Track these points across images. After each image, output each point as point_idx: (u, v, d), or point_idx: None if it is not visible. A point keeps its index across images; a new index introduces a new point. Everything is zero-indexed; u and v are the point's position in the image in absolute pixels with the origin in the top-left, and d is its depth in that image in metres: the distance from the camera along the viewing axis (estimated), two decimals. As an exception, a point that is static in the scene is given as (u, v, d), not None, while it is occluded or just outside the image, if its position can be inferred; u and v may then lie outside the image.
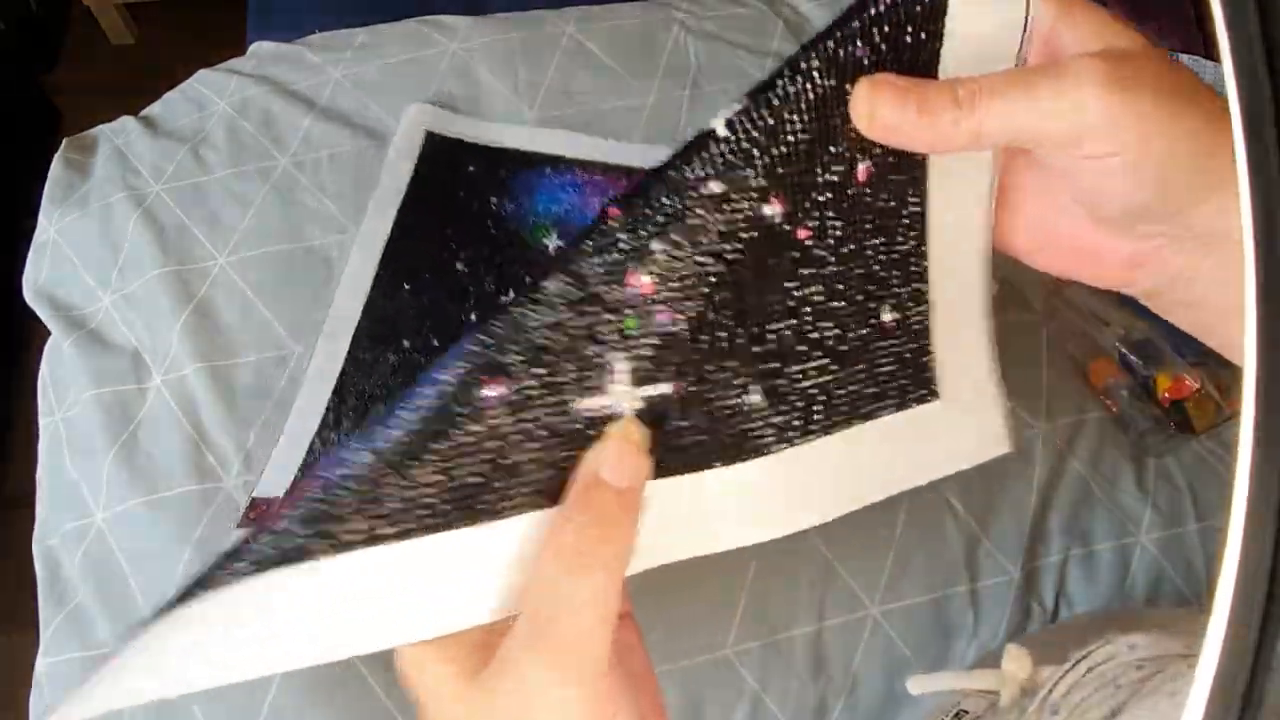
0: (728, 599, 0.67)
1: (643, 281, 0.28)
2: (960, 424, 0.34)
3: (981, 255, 0.34)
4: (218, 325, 0.75)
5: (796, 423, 0.31)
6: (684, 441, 0.29)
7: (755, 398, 0.30)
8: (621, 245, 0.28)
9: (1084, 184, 0.30)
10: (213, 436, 0.70)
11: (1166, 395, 0.77)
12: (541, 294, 0.27)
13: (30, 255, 0.82)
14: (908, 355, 0.33)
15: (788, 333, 0.31)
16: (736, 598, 0.67)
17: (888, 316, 0.32)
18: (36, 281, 0.80)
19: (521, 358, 0.27)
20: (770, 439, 0.31)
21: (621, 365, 0.28)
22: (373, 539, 0.26)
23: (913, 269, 0.33)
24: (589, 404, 0.28)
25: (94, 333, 0.77)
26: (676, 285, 0.28)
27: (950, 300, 0.34)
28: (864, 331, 0.32)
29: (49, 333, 0.78)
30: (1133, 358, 0.78)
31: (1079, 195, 0.31)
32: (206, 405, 0.72)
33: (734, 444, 0.30)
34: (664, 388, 0.29)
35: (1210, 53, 0.95)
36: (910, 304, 0.33)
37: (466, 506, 0.27)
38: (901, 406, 0.33)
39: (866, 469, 0.32)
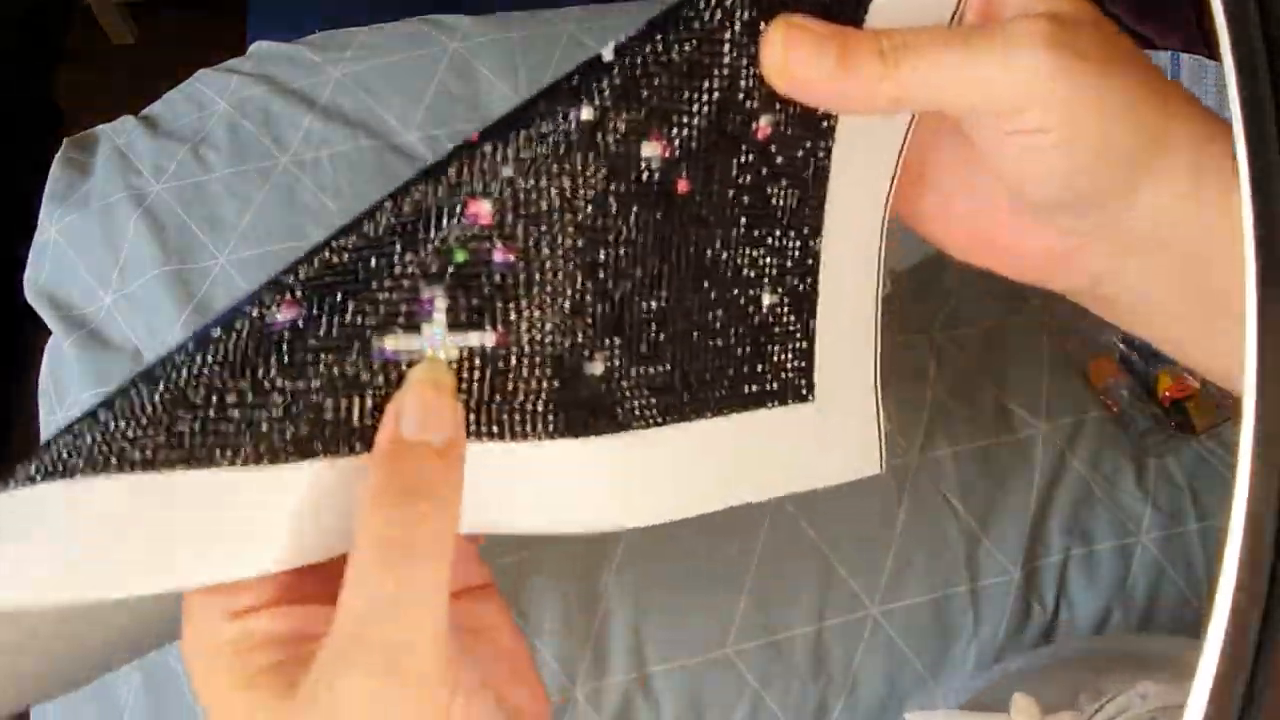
0: (728, 599, 0.67)
1: (483, 210, 0.24)
2: (831, 434, 0.30)
3: (878, 241, 0.30)
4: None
5: (639, 404, 0.26)
6: (499, 403, 0.25)
7: (596, 367, 0.26)
8: (468, 168, 0.24)
9: (1009, 164, 0.27)
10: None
11: (1167, 395, 0.77)
12: (370, 212, 0.24)
13: (30, 255, 0.82)
14: (784, 348, 0.29)
15: (648, 299, 0.26)
16: (736, 598, 0.67)
17: (768, 299, 0.28)
18: (37, 281, 0.80)
19: (321, 279, 0.23)
20: (610, 416, 0.26)
21: (440, 303, 0.24)
22: (146, 463, 0.22)
23: (804, 248, 0.28)
24: (395, 344, 0.23)
25: (95, 332, 0.77)
26: (522, 220, 0.24)
27: (840, 291, 0.30)
28: (737, 313, 0.28)
29: (50, 332, 0.78)
30: (1133, 357, 0.78)
31: (1002, 177, 0.28)
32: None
33: (562, 414, 0.25)
34: (486, 337, 0.24)
35: (1212, 53, 0.95)
36: (795, 289, 0.29)
37: (253, 444, 0.23)
38: (770, 402, 0.29)
39: (714, 470, 0.28)
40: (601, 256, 0.25)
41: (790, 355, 0.29)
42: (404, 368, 0.24)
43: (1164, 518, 0.74)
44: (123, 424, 0.22)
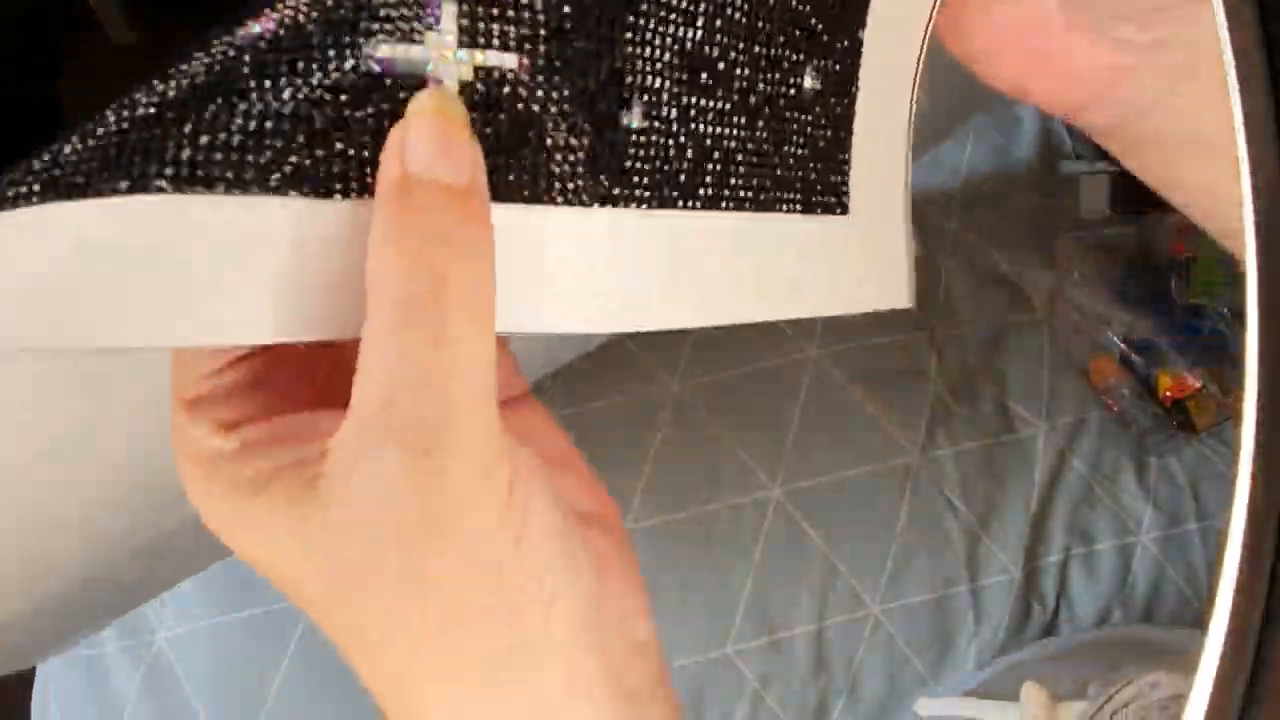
0: (728, 597, 0.67)
1: None
2: (861, 253, 0.27)
3: (918, 49, 0.27)
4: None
5: (681, 178, 0.23)
6: (523, 154, 0.21)
7: (634, 117, 0.22)
8: None
9: None
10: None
11: (1168, 394, 0.77)
12: None
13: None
14: (822, 143, 0.26)
15: (694, 45, 0.22)
16: (737, 596, 0.67)
17: (809, 83, 0.25)
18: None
19: None
20: (646, 186, 0.22)
21: (449, 7, 0.19)
22: (94, 189, 0.18)
23: (848, 34, 0.26)
24: (391, 51, 0.19)
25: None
26: None
27: (877, 97, 0.27)
28: (780, 89, 0.24)
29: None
30: (1134, 357, 0.78)
31: None
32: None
33: (595, 176, 0.21)
34: (507, 59, 0.20)
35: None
36: (836, 76, 0.26)
37: (234, 170, 0.18)
38: (804, 208, 0.25)
39: (750, 275, 0.25)
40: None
41: (827, 157, 0.26)
42: (400, 93, 0.19)
43: (1164, 517, 0.74)
44: (75, 147, 0.18)
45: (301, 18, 0.19)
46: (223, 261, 0.18)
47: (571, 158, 0.21)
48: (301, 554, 0.19)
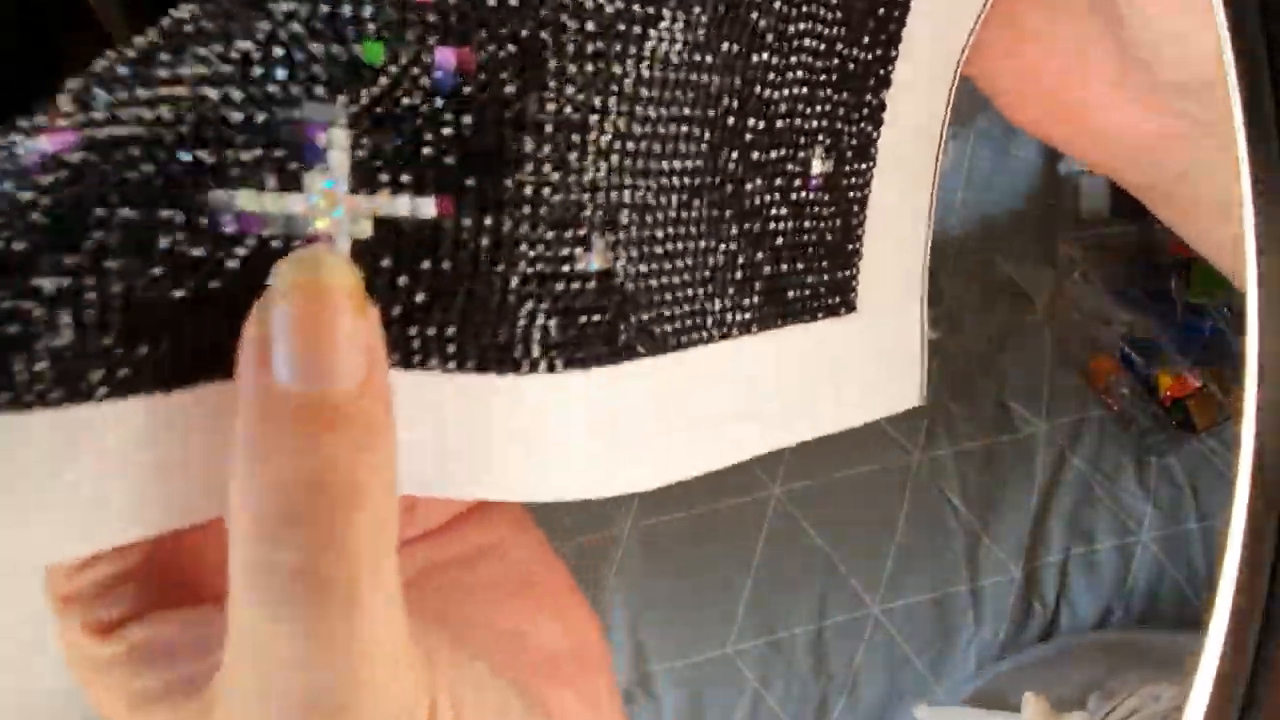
0: (728, 597, 0.67)
1: None
2: (869, 355, 0.23)
3: (944, 108, 0.23)
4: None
5: (649, 319, 0.18)
6: (449, 319, 0.16)
7: (593, 260, 0.16)
8: None
9: (1152, 24, 0.21)
10: None
11: (1168, 394, 0.77)
12: None
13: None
14: (830, 235, 0.21)
15: (671, 156, 0.17)
16: (737, 596, 0.67)
17: (818, 167, 0.21)
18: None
19: (115, 77, 0.13)
20: (607, 340, 0.17)
21: (337, 138, 0.14)
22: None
23: (867, 100, 0.21)
24: (254, 204, 0.14)
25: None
26: (490, 9, 0.14)
27: (899, 160, 0.22)
28: (780, 182, 0.20)
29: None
30: (1134, 356, 0.78)
31: (1134, 39, 0.22)
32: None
33: (542, 339, 0.17)
34: (422, 204, 0.15)
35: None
36: (850, 154, 0.21)
37: (47, 390, 0.13)
38: (805, 316, 0.21)
39: (739, 407, 0.20)
40: (614, 81, 0.16)
41: (834, 253, 0.22)
42: (275, 254, 0.14)
43: (1165, 517, 0.74)
44: None
45: (102, 135, 0.13)
46: (31, 475, 0.14)
47: (505, 323, 0.16)
48: None
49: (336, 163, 0.14)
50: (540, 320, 0.16)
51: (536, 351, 0.17)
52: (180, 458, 0.15)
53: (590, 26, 0.15)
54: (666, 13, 0.16)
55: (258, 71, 0.13)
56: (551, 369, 0.17)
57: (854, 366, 0.23)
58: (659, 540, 0.68)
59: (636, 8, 0.16)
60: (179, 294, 0.14)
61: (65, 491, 0.14)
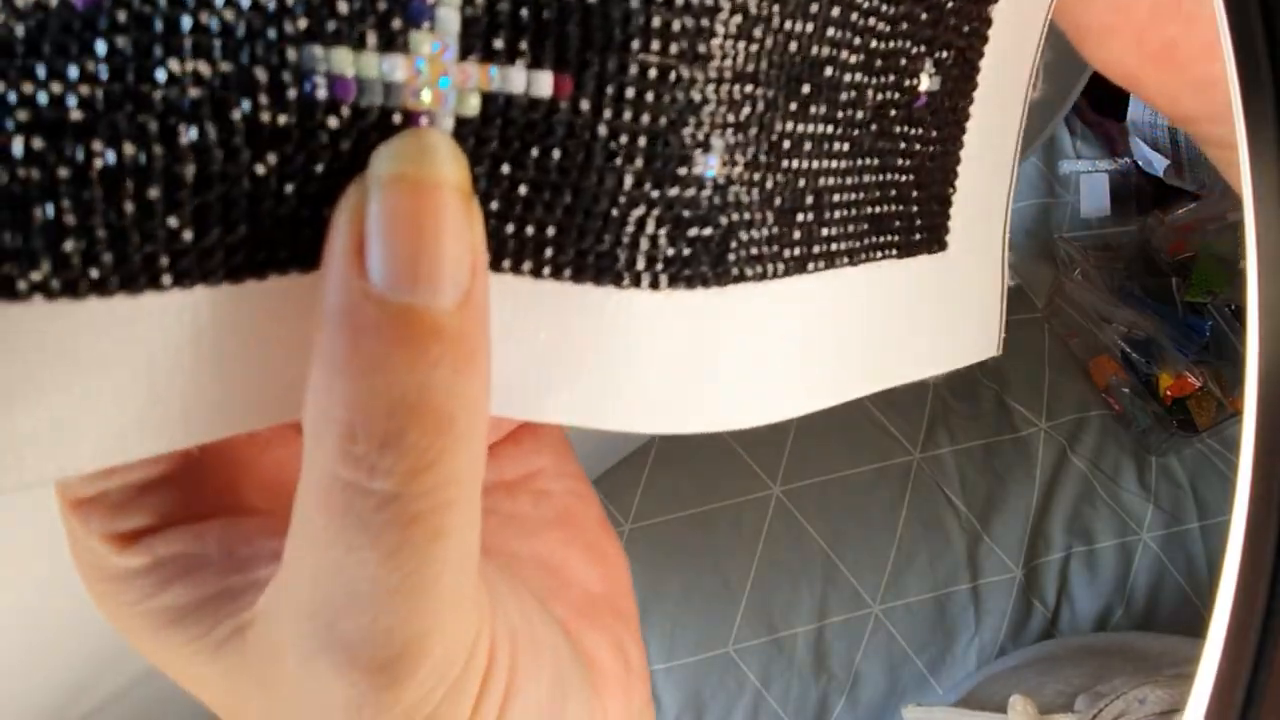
0: (729, 597, 0.67)
1: None
2: (956, 299, 0.22)
3: (1045, 14, 0.21)
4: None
5: (764, 243, 0.17)
6: (555, 219, 0.14)
7: (711, 164, 0.15)
8: None
9: None
10: None
11: (1168, 393, 0.77)
12: None
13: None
14: (929, 163, 0.20)
15: (789, 64, 0.16)
16: (738, 595, 0.67)
17: (925, 84, 0.19)
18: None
19: None
20: (717, 259, 0.16)
21: (447, 11, 0.12)
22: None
23: (978, 10, 0.20)
24: (356, 67, 0.12)
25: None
26: None
27: (996, 88, 0.21)
28: (892, 95, 0.18)
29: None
30: (1135, 356, 0.78)
31: None
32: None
33: (654, 251, 0.15)
34: (539, 80, 0.13)
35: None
36: (956, 73, 0.20)
37: (106, 270, 0.12)
38: (901, 250, 0.20)
39: (838, 349, 0.19)
40: None
41: (933, 182, 0.20)
42: (365, 133, 0.12)
43: (1165, 516, 0.74)
44: None
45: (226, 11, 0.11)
46: (84, 370, 0.12)
47: (613, 227, 0.15)
48: (229, 702, 0.15)
49: (446, 22, 0.12)
50: (649, 228, 0.15)
51: (641, 264, 0.15)
52: (243, 356, 0.13)
53: None
54: None
55: None
56: (655, 285, 0.15)
57: (942, 310, 0.21)
58: (659, 540, 0.68)
59: None
60: (258, 169, 0.12)
61: (115, 389, 0.13)
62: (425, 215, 0.12)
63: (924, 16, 0.18)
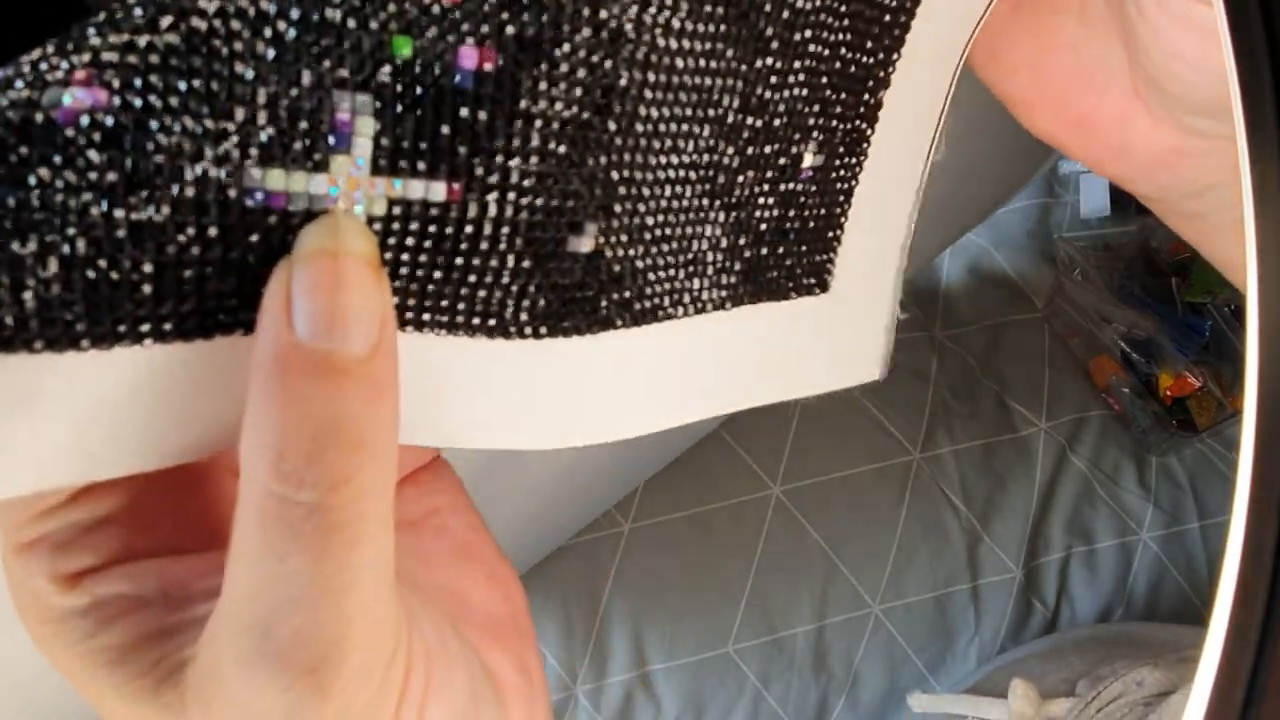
0: (729, 596, 0.67)
1: None
2: (835, 332, 0.24)
3: (942, 101, 0.23)
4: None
5: (631, 295, 0.19)
6: (447, 291, 0.17)
7: (583, 243, 0.18)
8: None
9: (1162, 40, 0.20)
10: None
11: (1168, 393, 0.77)
12: None
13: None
14: (812, 224, 0.22)
15: (668, 151, 0.19)
16: (738, 595, 0.67)
17: (809, 160, 0.21)
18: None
19: (148, 50, 0.13)
20: (582, 314, 0.19)
21: (364, 125, 0.15)
22: None
23: (865, 100, 0.22)
24: (284, 183, 0.15)
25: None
26: (509, 10, 0.15)
27: (891, 151, 0.23)
28: (771, 174, 0.21)
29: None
30: (1134, 355, 0.78)
31: (1145, 54, 0.21)
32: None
33: (532, 308, 0.18)
34: (433, 188, 0.16)
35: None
36: (842, 150, 0.22)
37: (62, 329, 0.14)
38: (779, 295, 0.22)
39: (705, 375, 0.22)
40: (621, 79, 0.17)
41: (815, 238, 0.23)
42: (290, 226, 0.15)
43: (1165, 516, 0.74)
44: None
45: (139, 102, 0.13)
46: (34, 407, 0.14)
47: (500, 291, 0.18)
48: None
49: (361, 148, 0.15)
50: (530, 293, 0.18)
51: (525, 318, 0.18)
52: (179, 400, 0.15)
53: (600, 34, 0.16)
54: (675, 21, 0.17)
55: (290, 56, 0.14)
56: (537, 335, 0.18)
57: (821, 341, 0.24)
58: (659, 540, 0.68)
59: (646, 16, 0.17)
60: (209, 254, 0.15)
61: (66, 420, 0.15)
62: (338, 279, 0.15)
63: (807, 109, 0.21)
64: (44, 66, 0.13)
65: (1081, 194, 0.88)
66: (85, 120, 0.13)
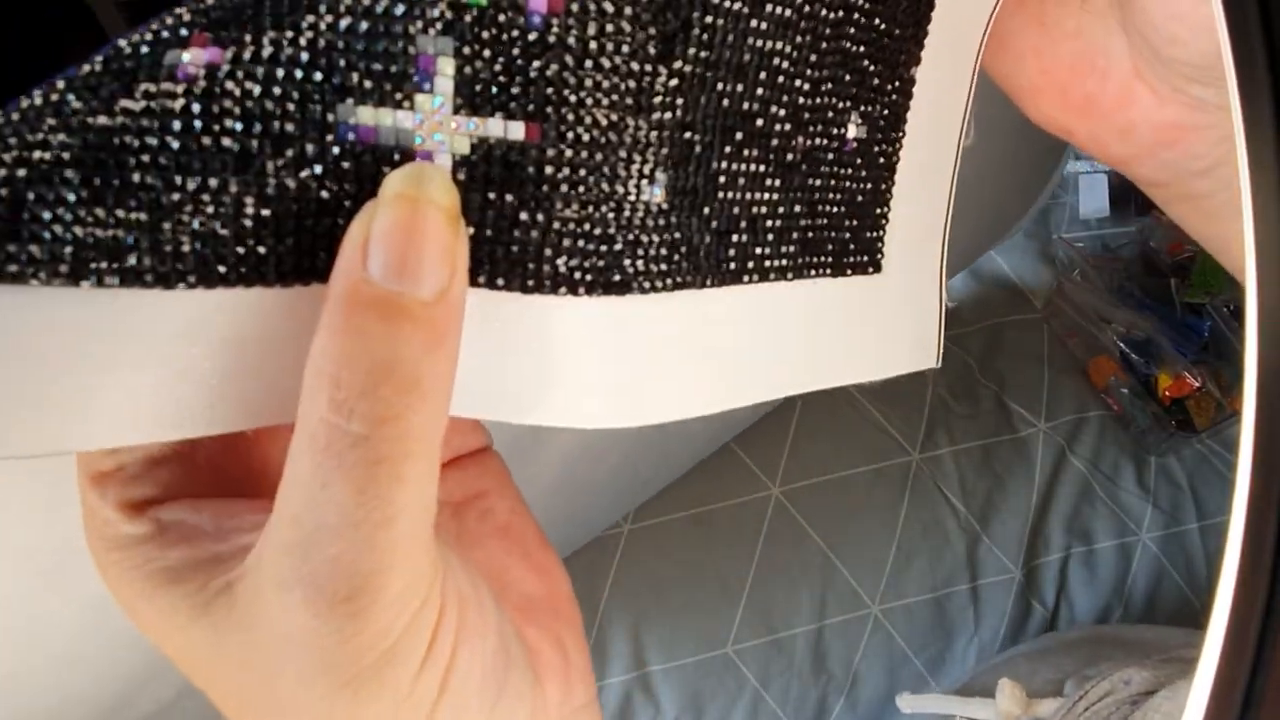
0: (728, 597, 0.67)
1: None
2: (891, 314, 0.25)
3: (968, 84, 0.24)
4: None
5: (702, 255, 0.20)
6: (529, 238, 0.18)
7: (655, 193, 0.19)
8: None
9: (1160, 6, 0.21)
10: None
11: (1167, 393, 0.77)
12: None
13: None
14: (860, 198, 0.23)
15: (731, 112, 0.20)
16: (737, 595, 0.67)
17: (853, 132, 0.22)
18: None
19: (251, 3, 0.15)
20: (663, 270, 0.19)
21: (445, 66, 0.16)
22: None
23: (899, 73, 0.23)
24: (373, 118, 0.16)
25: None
26: None
27: (926, 132, 0.24)
28: (820, 141, 0.22)
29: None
30: (1133, 356, 0.78)
31: (1145, 23, 0.22)
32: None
33: (608, 262, 0.18)
34: (512, 127, 0.17)
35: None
36: (883, 123, 0.23)
37: (132, 256, 0.15)
38: (834, 270, 0.23)
39: (769, 350, 0.22)
40: (683, 33, 0.18)
41: (865, 213, 0.23)
42: (381, 166, 0.16)
43: (1164, 516, 0.74)
44: None
45: (248, 54, 0.15)
46: (132, 359, 0.15)
47: (581, 243, 0.18)
48: (211, 662, 0.17)
49: (442, 87, 0.16)
50: (591, 246, 0.18)
51: (577, 276, 0.18)
52: (270, 355, 0.17)
53: (651, 8, 0.18)
54: None
55: (381, 6, 0.16)
56: (590, 292, 0.18)
57: (877, 323, 0.24)
58: (659, 540, 0.68)
59: None
60: (308, 192, 0.16)
61: (173, 373, 0.16)
62: (415, 225, 0.15)
63: (847, 78, 0.22)
64: (164, 33, 0.15)
65: (1080, 194, 0.88)
66: (203, 75, 0.15)
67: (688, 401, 0.20)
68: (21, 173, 0.14)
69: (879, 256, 0.24)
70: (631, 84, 0.18)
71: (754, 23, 0.19)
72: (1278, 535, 0.15)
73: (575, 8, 0.17)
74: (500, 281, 0.18)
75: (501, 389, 0.18)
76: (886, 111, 0.23)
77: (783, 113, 0.21)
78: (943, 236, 0.26)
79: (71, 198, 0.15)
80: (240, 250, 0.16)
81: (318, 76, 0.16)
